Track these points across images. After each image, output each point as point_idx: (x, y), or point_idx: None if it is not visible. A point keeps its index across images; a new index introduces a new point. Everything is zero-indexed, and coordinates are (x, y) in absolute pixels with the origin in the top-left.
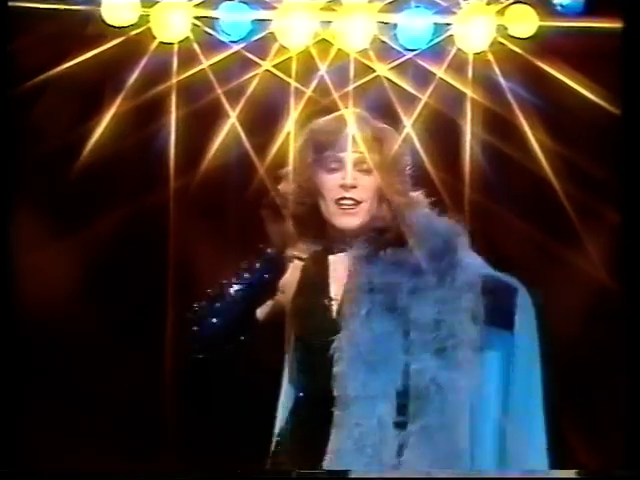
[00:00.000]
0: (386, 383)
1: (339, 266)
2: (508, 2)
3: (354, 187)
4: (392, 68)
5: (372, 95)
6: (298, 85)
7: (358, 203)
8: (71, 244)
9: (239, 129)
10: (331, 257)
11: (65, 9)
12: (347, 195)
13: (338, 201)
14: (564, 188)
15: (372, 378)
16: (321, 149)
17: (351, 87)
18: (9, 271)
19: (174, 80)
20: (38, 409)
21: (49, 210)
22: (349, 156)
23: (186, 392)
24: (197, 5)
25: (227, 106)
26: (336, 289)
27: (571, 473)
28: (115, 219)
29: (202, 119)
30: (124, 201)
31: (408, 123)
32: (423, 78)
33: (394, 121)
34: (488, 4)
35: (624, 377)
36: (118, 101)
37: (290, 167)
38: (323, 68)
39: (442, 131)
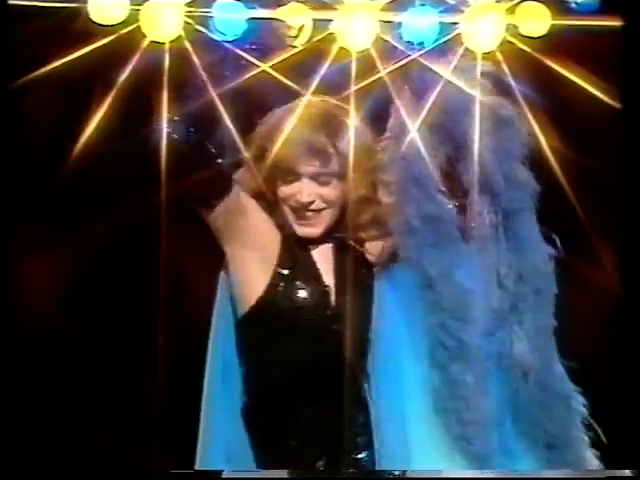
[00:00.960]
0: None
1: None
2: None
3: (311, 203)
4: (396, 69)
5: (374, 97)
6: (295, 86)
7: (319, 211)
8: (57, 251)
9: (234, 134)
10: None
11: (49, 6)
12: (306, 210)
13: (296, 216)
14: (578, 197)
15: None
16: (277, 162)
17: (353, 89)
18: None
19: (165, 81)
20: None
21: (33, 215)
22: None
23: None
24: (189, 3)
25: (221, 109)
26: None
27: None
28: (104, 224)
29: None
30: (114, 206)
31: (413, 127)
32: (429, 79)
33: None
34: (497, 1)
35: None
36: (107, 103)
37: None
38: (323, 68)
39: (448, 135)
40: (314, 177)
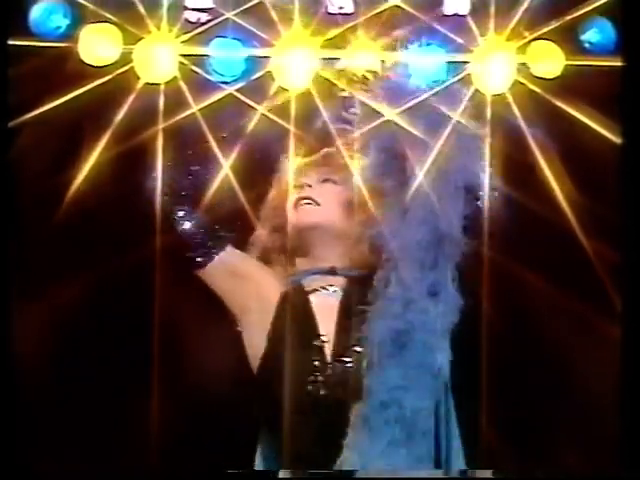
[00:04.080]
0: None
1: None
2: (530, 38)
3: (310, 186)
4: (402, 111)
5: (380, 141)
6: (297, 131)
7: (317, 204)
8: (48, 300)
9: (232, 179)
10: (311, 296)
11: (38, 46)
12: (303, 195)
13: (297, 202)
14: (592, 246)
15: None
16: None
17: (357, 132)
18: None
19: (161, 124)
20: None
21: (25, 262)
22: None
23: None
24: (185, 42)
25: (219, 154)
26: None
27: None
28: (96, 274)
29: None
30: (106, 254)
31: (420, 172)
32: (437, 122)
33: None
34: (508, 40)
35: None
36: (99, 148)
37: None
38: (325, 112)
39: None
40: (320, 174)
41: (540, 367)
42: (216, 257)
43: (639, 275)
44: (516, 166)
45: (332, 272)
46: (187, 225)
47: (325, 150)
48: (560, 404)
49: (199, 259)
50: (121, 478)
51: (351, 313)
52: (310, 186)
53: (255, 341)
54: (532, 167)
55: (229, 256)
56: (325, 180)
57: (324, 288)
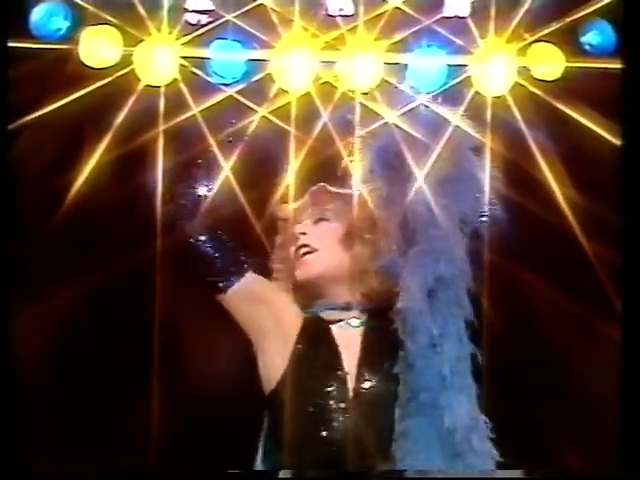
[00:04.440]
0: None
1: (344, 336)
2: (530, 40)
3: (304, 233)
4: (402, 114)
5: (380, 144)
6: (298, 133)
7: (314, 250)
8: (49, 304)
9: (233, 182)
10: (333, 327)
11: (39, 48)
12: (300, 243)
13: (296, 252)
14: (594, 249)
15: None
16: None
17: (357, 135)
18: None
19: (161, 127)
20: None
21: (26, 264)
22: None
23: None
24: (185, 44)
25: (219, 156)
26: (348, 362)
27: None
28: (96, 277)
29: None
30: (107, 256)
31: (420, 176)
32: (437, 125)
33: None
34: (508, 42)
35: None
36: (99, 150)
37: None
38: (325, 114)
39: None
40: (312, 217)
41: (540, 368)
42: (236, 283)
43: (639, 276)
44: (516, 168)
45: (347, 307)
46: (209, 250)
47: (311, 189)
48: (560, 404)
49: (220, 284)
50: (121, 478)
51: (374, 347)
52: (304, 233)
53: (271, 364)
54: (532, 169)
55: (250, 282)
56: (318, 220)
57: (346, 322)
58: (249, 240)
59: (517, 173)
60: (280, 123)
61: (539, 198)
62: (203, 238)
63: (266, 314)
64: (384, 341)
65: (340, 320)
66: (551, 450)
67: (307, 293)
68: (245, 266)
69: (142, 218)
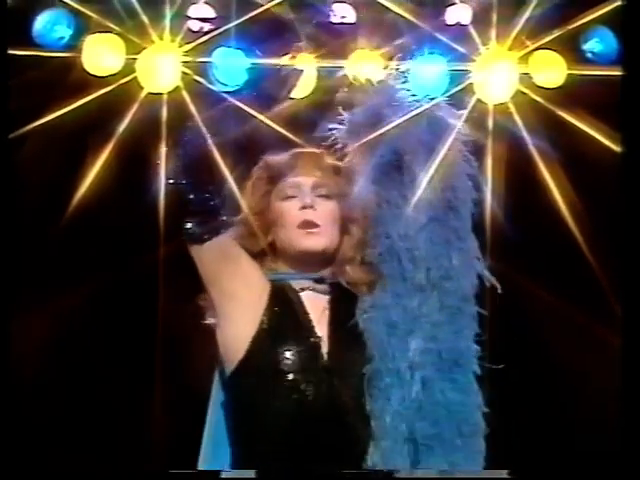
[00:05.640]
0: None
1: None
2: (532, 47)
3: (312, 207)
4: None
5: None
6: (299, 141)
7: (318, 226)
8: (52, 309)
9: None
10: (302, 294)
11: (42, 56)
12: (307, 218)
13: (299, 225)
14: (594, 255)
15: None
16: (275, 179)
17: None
18: None
19: (164, 134)
20: None
21: (29, 271)
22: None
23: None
24: (187, 51)
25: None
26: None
27: None
28: (99, 282)
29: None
30: (109, 263)
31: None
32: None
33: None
34: (510, 49)
35: None
36: (102, 158)
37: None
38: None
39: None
40: (315, 188)
41: (542, 374)
42: (214, 238)
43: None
44: (518, 174)
45: (320, 280)
46: (192, 198)
47: (305, 151)
48: (561, 408)
49: (197, 235)
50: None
51: (343, 311)
52: (312, 207)
53: (234, 331)
54: (534, 175)
55: (225, 240)
56: (321, 196)
57: (314, 289)
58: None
59: (518, 179)
60: (279, 128)
61: (540, 204)
62: (190, 187)
63: (233, 276)
64: (349, 307)
65: (308, 288)
66: (552, 455)
67: (292, 261)
68: (225, 223)
69: (144, 225)
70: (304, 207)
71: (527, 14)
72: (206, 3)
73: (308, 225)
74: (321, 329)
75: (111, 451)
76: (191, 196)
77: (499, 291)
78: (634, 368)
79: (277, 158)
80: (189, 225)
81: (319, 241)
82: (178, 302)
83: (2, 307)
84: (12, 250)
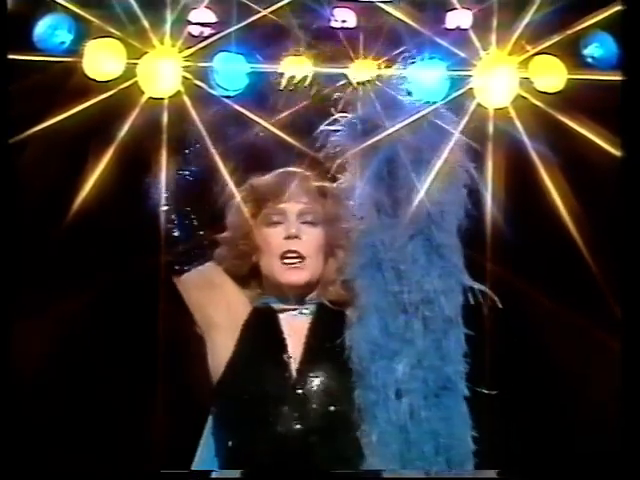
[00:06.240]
0: None
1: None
2: (532, 52)
3: (297, 237)
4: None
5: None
6: (300, 146)
7: (303, 258)
8: (53, 312)
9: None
10: (281, 315)
11: (43, 61)
12: (292, 248)
13: (282, 256)
14: (594, 258)
15: None
16: (261, 203)
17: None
18: None
19: (165, 138)
20: None
21: (31, 274)
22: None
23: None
24: (188, 56)
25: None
26: (293, 346)
27: None
28: (100, 285)
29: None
30: (110, 267)
31: (421, 186)
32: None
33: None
34: (510, 54)
35: None
36: (103, 163)
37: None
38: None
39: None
40: (300, 215)
41: (542, 376)
42: (194, 269)
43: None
44: (518, 179)
45: (301, 302)
46: (174, 229)
47: (288, 172)
48: (561, 411)
49: (177, 267)
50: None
51: (321, 331)
52: (297, 237)
53: (218, 355)
54: (534, 180)
55: (207, 269)
56: (305, 222)
57: (296, 310)
58: (217, 227)
59: (519, 184)
60: (280, 133)
61: (540, 209)
62: (173, 217)
63: (217, 304)
64: (332, 326)
65: (289, 310)
66: (552, 458)
67: (274, 289)
68: (207, 253)
69: (145, 229)
70: (289, 237)
71: (527, 19)
72: (207, 8)
73: (292, 257)
74: (297, 349)
75: (111, 451)
76: (173, 228)
77: (499, 305)
78: (634, 371)
79: (262, 180)
80: (170, 258)
81: (302, 275)
82: (178, 305)
83: (3, 310)
84: (13, 254)
